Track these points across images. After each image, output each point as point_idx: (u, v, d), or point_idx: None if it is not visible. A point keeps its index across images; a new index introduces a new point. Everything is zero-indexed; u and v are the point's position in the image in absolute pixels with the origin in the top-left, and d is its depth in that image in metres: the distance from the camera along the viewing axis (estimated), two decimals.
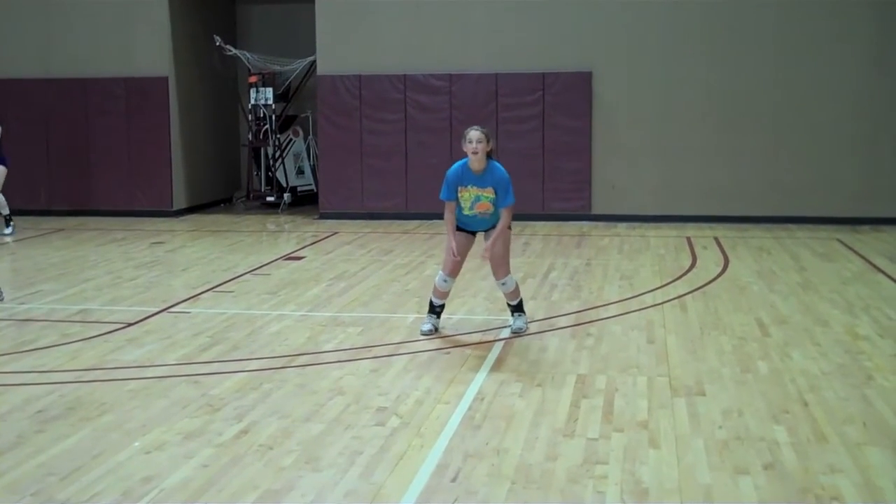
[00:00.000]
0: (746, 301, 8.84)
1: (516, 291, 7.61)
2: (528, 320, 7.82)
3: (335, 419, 5.59)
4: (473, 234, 7.59)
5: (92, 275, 10.53)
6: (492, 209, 7.34)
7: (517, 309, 7.69)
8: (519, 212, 14.38)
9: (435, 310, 7.68)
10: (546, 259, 11.32)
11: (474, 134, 7.19)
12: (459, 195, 7.33)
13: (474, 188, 7.28)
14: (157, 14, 15.49)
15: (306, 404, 5.88)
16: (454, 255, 7.34)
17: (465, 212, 7.40)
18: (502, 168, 7.34)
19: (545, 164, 14.69)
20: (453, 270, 7.49)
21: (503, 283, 7.50)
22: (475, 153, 7.18)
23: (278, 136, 16.61)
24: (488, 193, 7.27)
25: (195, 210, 16.27)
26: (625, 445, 5.12)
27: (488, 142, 7.22)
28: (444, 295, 7.64)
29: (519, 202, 14.31)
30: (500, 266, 7.45)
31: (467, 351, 7.13)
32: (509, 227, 7.47)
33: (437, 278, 7.61)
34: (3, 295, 9.08)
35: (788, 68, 14.08)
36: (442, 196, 7.40)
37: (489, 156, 7.28)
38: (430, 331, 7.59)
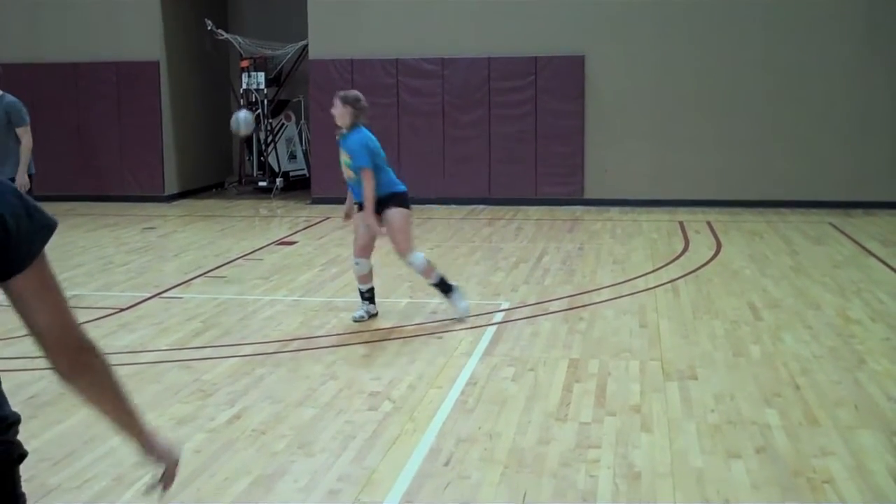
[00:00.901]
0: (739, 285, 8.84)
1: (429, 268, 7.38)
2: (515, 305, 7.79)
3: (328, 404, 5.59)
4: (359, 205, 7.40)
5: (83, 260, 10.50)
6: (353, 176, 7.24)
7: (442, 289, 7.41)
8: (511, 196, 14.69)
9: (363, 296, 7.59)
10: (538, 243, 11.32)
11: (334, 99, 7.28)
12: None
13: (342, 151, 7.32)
14: None
15: (299, 389, 5.87)
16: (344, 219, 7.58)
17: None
18: (362, 134, 7.23)
19: (537, 148, 14.65)
20: (359, 252, 7.43)
21: (410, 263, 7.37)
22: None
23: (270, 120, 16.55)
24: (346, 158, 7.25)
25: (187, 195, 16.20)
26: (617, 429, 5.12)
27: (344, 106, 7.23)
28: (364, 279, 7.53)
29: (511, 187, 14.71)
30: (398, 242, 7.29)
31: (460, 335, 7.12)
32: (407, 207, 7.33)
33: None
34: None
35: (780, 53, 14.05)
36: None
37: (358, 122, 7.25)
38: (362, 317, 7.51)
